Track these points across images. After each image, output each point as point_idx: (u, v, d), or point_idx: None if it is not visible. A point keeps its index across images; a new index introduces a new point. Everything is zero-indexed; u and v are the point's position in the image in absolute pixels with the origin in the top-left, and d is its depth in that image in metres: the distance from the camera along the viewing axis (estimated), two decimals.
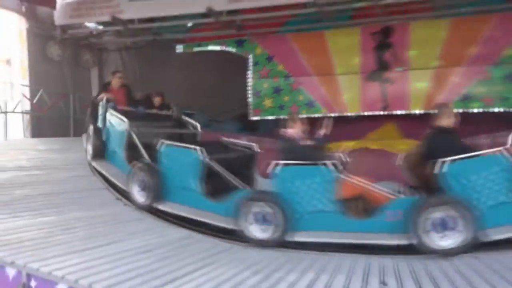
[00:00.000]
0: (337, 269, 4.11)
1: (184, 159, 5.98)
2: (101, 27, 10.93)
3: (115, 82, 7.99)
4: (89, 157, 7.62)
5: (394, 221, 4.69)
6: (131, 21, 9.99)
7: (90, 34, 11.29)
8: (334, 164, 4.95)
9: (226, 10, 9.48)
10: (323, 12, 9.21)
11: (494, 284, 3.44)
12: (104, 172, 7.11)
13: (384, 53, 9.88)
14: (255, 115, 10.78)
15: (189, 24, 10.83)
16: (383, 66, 9.92)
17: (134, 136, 6.74)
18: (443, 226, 4.35)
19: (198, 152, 5.81)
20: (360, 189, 4.99)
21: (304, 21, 10.24)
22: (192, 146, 5.97)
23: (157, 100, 8.16)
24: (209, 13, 9.26)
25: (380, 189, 4.95)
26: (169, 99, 8.78)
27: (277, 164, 5.10)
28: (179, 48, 11.38)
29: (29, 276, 3.79)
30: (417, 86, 9.69)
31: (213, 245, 5.03)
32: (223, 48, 11.03)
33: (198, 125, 7.96)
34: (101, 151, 7.48)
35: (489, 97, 9.11)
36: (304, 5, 9.15)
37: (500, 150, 4.55)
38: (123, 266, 3.94)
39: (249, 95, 10.81)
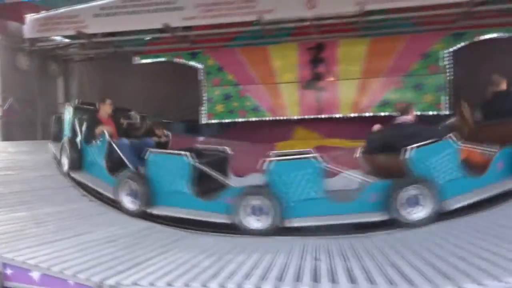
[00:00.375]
0: (279, 250, 4.39)
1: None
2: (66, 40, 11.20)
3: (106, 109, 7.26)
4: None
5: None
6: (95, 35, 10.33)
7: (57, 46, 11.50)
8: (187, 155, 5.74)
9: (181, 26, 10.01)
10: (266, 29, 9.94)
11: (403, 255, 3.92)
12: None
13: (318, 65, 10.96)
14: (209, 119, 11.47)
15: (148, 38, 11.26)
16: (317, 77, 10.99)
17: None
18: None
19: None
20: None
21: (250, 37, 10.99)
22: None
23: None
24: (165, 28, 9.72)
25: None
26: (130, 106, 9.26)
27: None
28: (138, 59, 11.83)
29: (4, 265, 3.96)
30: (345, 94, 10.85)
31: (172, 234, 5.25)
32: (179, 59, 11.60)
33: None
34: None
35: (402, 102, 10.50)
36: (250, 23, 9.85)
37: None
38: (91, 254, 4.15)
39: (203, 101, 11.50)
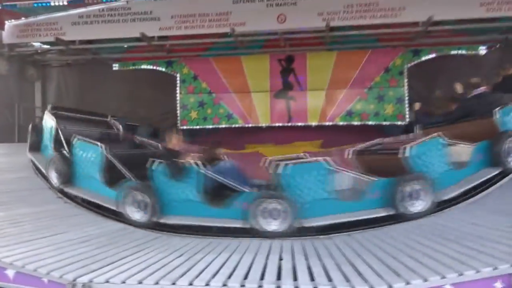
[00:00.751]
0: (246, 250, 4.56)
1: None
2: (45, 46, 11.07)
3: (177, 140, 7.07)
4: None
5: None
6: (73, 41, 10.24)
7: (35, 52, 11.38)
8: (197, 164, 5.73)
9: (157, 35, 10.03)
10: (239, 41, 10.08)
11: (360, 254, 4.16)
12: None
13: (288, 76, 11.13)
14: (183, 125, 11.43)
15: (125, 46, 11.18)
16: (287, 87, 11.16)
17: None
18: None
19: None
20: None
21: (224, 48, 11.04)
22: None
23: None
24: (142, 37, 9.74)
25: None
26: (107, 111, 9.29)
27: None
28: (116, 66, 11.79)
29: None
30: (313, 103, 11.04)
31: (144, 235, 5.32)
32: (155, 67, 11.63)
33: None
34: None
35: (366, 113, 10.83)
36: (223, 35, 9.96)
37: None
38: (66, 253, 4.19)
39: (178, 108, 11.52)
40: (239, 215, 5.50)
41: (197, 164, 5.82)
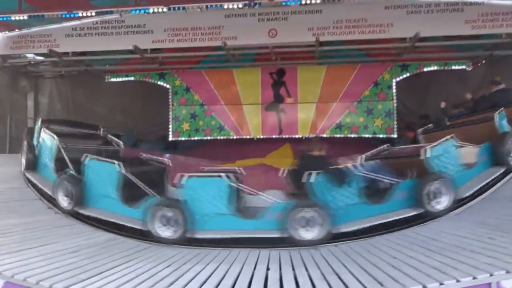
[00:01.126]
0: (234, 260, 4.59)
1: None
2: (38, 57, 11.13)
3: None
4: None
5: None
6: (66, 53, 10.33)
7: (28, 63, 11.43)
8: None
9: (150, 48, 10.14)
10: (231, 54, 10.24)
11: (345, 264, 4.22)
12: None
13: (279, 89, 11.32)
14: (174, 136, 11.53)
15: (118, 58, 11.18)
16: (278, 99, 11.35)
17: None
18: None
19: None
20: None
21: (216, 61, 11.30)
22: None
23: None
24: (135, 50, 9.83)
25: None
26: (99, 122, 9.34)
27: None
28: (109, 78, 11.90)
29: None
30: (304, 116, 11.22)
31: (134, 245, 5.31)
32: (148, 79, 11.73)
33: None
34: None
35: (355, 125, 11.01)
36: (216, 48, 10.10)
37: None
38: (55, 264, 4.16)
39: (170, 120, 11.60)
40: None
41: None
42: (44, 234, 5.43)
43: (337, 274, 3.95)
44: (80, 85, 12.29)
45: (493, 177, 6.20)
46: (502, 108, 6.75)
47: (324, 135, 10.99)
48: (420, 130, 8.08)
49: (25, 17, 8.74)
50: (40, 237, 5.25)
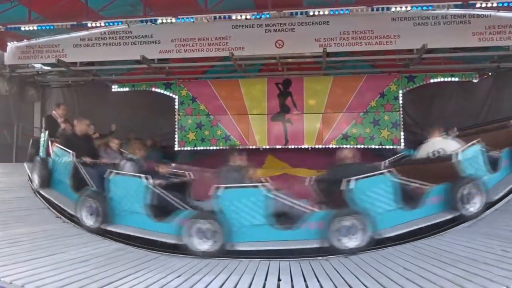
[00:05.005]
0: (245, 271, 4.55)
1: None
2: (46, 67, 11.19)
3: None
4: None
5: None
6: (74, 63, 10.39)
7: (36, 73, 11.48)
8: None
9: (157, 58, 10.19)
10: (238, 65, 10.24)
11: (358, 276, 4.15)
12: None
13: (285, 99, 11.36)
14: (180, 146, 11.55)
15: (125, 68, 11.34)
16: (284, 110, 11.37)
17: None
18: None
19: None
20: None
21: (222, 71, 11.40)
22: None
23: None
24: (142, 60, 9.83)
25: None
26: (106, 131, 9.39)
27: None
28: (115, 87, 12.04)
29: None
30: (310, 126, 11.23)
31: (144, 255, 5.29)
32: (154, 89, 11.81)
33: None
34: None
35: (361, 136, 11.01)
36: (222, 58, 10.15)
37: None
38: (64, 273, 4.16)
39: (176, 129, 11.64)
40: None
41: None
42: (52, 243, 5.42)
43: (350, 286, 3.91)
44: (86, 95, 12.36)
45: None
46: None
47: (331, 146, 10.98)
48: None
49: (35, 28, 8.79)
50: (48, 246, 5.24)
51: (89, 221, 6.21)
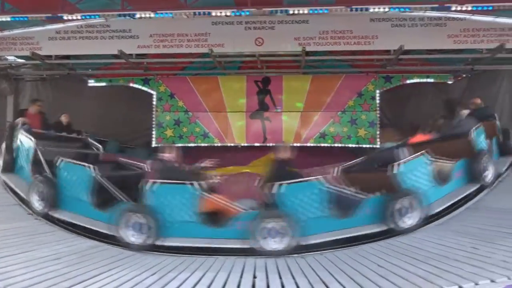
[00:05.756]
0: (220, 268, 4.57)
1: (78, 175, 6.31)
2: (20, 60, 10.88)
3: (33, 109, 8.59)
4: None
5: (243, 229, 5.47)
6: (49, 56, 10.14)
7: (9, 65, 11.17)
8: (199, 184, 5.70)
9: (135, 53, 10.01)
10: (217, 61, 10.21)
11: (333, 273, 4.23)
12: (10, 184, 7.19)
13: (264, 97, 11.43)
14: (158, 142, 11.43)
15: (102, 62, 11.14)
16: (263, 107, 11.45)
17: (39, 153, 6.86)
18: (275, 234, 5.39)
19: (89, 169, 6.24)
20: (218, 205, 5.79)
21: (201, 68, 11.37)
22: (85, 164, 6.33)
23: (64, 119, 8.89)
24: (120, 55, 9.72)
25: (233, 205, 5.79)
26: (81, 127, 9.30)
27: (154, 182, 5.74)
28: (92, 82, 11.84)
29: None
30: (288, 124, 11.33)
31: (118, 253, 5.24)
32: (132, 84, 11.68)
33: (101, 147, 8.28)
34: (11, 166, 7.62)
35: (339, 135, 11.15)
36: (201, 55, 10.12)
37: (318, 178, 5.74)
38: (36, 271, 4.09)
39: (153, 126, 11.56)
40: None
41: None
42: (24, 240, 5.31)
43: (324, 283, 3.96)
44: (62, 89, 12.04)
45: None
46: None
47: (309, 144, 11.07)
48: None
49: (8, 19, 8.52)
50: (20, 244, 5.13)
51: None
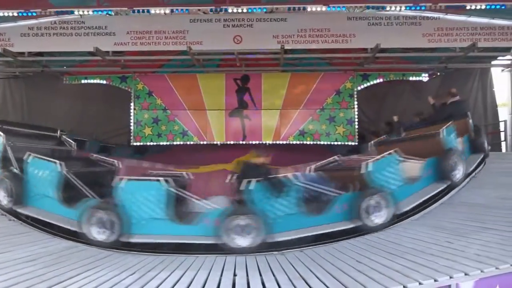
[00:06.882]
0: (201, 267, 4.60)
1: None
2: None
3: None
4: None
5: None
6: (21, 53, 9.88)
7: None
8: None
9: (111, 50, 9.84)
10: (196, 59, 10.16)
11: (311, 268, 4.32)
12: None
13: (243, 95, 11.40)
14: (136, 141, 11.32)
15: (77, 59, 10.83)
16: (242, 105, 11.41)
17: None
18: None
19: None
20: None
21: (180, 65, 11.26)
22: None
23: None
24: (96, 52, 9.48)
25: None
26: (57, 125, 9.11)
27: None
28: (67, 80, 11.59)
29: None
30: (267, 122, 11.33)
31: (96, 253, 5.19)
32: (109, 82, 11.50)
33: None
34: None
35: (318, 133, 11.24)
36: (180, 53, 9.97)
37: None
38: (10, 273, 4.03)
39: (131, 124, 11.39)
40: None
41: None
42: None
43: (304, 279, 4.01)
44: (35, 87, 11.81)
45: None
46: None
47: (288, 142, 11.13)
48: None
49: None
50: None
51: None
